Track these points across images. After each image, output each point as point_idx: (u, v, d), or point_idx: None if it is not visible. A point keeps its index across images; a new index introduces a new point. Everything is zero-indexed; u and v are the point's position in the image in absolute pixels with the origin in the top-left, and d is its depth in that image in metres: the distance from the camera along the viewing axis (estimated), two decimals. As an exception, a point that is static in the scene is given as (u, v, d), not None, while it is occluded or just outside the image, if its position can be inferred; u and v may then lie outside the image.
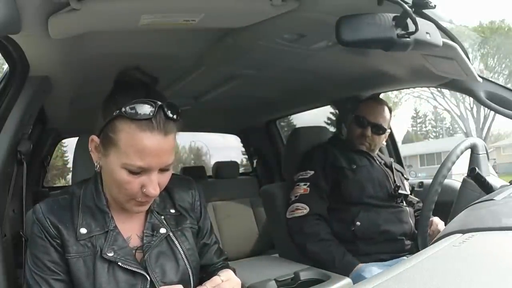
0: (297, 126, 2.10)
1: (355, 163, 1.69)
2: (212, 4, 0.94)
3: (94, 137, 0.86)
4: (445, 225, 0.83)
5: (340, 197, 1.63)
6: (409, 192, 1.76)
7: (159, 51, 1.35)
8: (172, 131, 0.82)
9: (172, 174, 0.91)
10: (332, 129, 1.94)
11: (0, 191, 1.10)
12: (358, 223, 1.57)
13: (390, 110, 1.78)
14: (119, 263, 0.85)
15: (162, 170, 0.84)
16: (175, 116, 0.81)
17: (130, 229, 0.91)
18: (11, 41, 0.95)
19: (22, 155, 1.17)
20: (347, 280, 1.34)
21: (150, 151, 0.79)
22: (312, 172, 1.68)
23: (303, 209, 1.61)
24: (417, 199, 1.82)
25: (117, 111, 0.79)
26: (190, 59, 1.48)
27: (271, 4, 0.94)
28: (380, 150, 2.13)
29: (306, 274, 1.39)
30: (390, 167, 1.78)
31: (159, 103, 0.79)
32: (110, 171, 0.84)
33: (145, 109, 0.78)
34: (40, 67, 1.14)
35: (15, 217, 1.23)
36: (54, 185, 6.03)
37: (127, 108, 0.78)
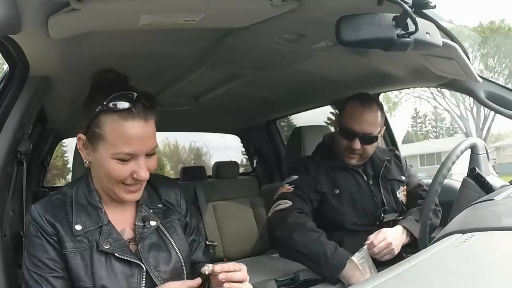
0: (297, 126, 2.09)
1: (338, 186, 1.56)
2: (212, 4, 0.94)
3: (81, 135, 0.91)
4: (445, 225, 0.83)
5: (322, 221, 1.51)
6: (399, 211, 1.57)
7: (159, 51, 1.35)
8: (151, 118, 0.90)
9: (157, 174, 0.98)
10: (333, 129, 1.91)
11: (0, 191, 1.10)
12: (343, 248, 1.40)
13: (381, 107, 1.57)
14: (115, 254, 0.88)
15: (149, 155, 0.91)
16: (151, 104, 0.90)
17: (123, 223, 0.95)
18: (11, 41, 0.95)
19: (22, 155, 1.17)
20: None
21: (135, 137, 0.86)
22: (296, 177, 1.57)
23: (286, 204, 1.49)
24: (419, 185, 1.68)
25: (100, 107, 0.86)
26: (190, 59, 1.47)
27: (271, 4, 0.94)
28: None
29: (306, 274, 1.39)
30: (378, 181, 1.60)
31: (136, 94, 0.87)
32: (100, 164, 0.89)
33: (125, 100, 0.86)
34: (40, 67, 1.14)
35: (15, 217, 1.24)
36: (54, 185, 6.02)
37: (108, 102, 0.86)
